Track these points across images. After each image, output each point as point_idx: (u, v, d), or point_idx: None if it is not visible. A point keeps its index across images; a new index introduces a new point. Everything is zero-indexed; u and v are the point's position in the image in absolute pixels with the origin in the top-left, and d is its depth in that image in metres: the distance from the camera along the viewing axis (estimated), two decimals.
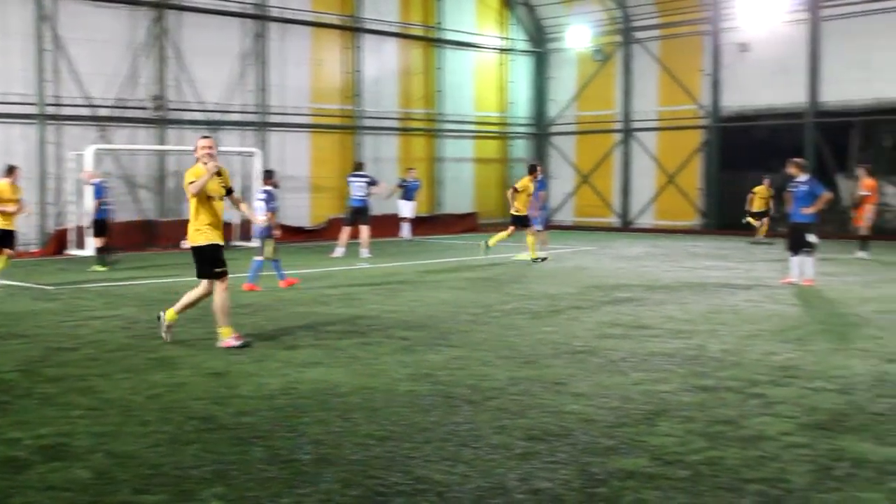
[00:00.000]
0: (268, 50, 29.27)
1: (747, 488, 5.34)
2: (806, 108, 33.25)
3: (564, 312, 12.73)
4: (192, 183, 9.99)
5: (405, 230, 28.88)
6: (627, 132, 37.55)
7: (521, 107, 39.45)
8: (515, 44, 38.73)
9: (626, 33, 37.58)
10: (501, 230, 22.02)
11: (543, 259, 20.80)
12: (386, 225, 28.56)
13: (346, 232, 22.17)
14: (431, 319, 12.08)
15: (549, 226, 28.65)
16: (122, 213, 24.21)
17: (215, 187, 10.17)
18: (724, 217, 34.96)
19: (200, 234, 10.11)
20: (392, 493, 5.34)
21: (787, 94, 33.63)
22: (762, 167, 31.57)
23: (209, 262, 10.14)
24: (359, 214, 22.10)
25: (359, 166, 23.75)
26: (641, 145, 37.11)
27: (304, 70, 30.58)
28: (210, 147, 10.21)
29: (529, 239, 20.91)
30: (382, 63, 33.19)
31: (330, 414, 7.12)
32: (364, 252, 21.54)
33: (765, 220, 28.22)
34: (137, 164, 26.52)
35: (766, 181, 28.30)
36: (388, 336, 10.72)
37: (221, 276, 10.15)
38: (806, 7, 32.93)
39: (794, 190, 16.31)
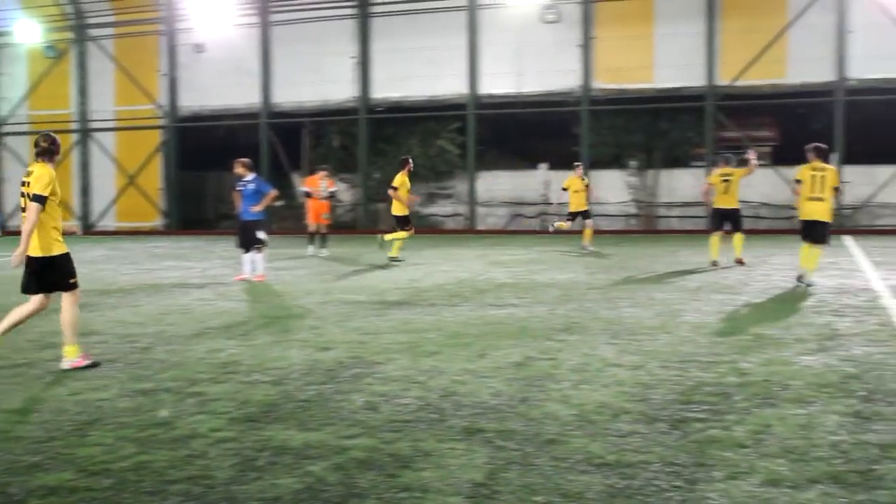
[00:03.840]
0: None
1: (171, 489, 5.37)
2: (261, 108, 34.37)
3: None
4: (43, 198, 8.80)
5: None
6: (85, 132, 36.45)
7: None
8: None
9: (79, 30, 36.39)
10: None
11: None
12: None
13: None
14: None
15: (6, 231, 27.03)
16: None
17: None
18: (185, 217, 35.18)
19: (55, 242, 9.00)
20: None
21: (243, 94, 34.62)
22: (222, 166, 32.14)
23: (61, 273, 9.08)
24: None
25: None
26: (100, 146, 36.19)
27: None
28: None
29: None
30: None
31: None
32: None
33: (587, 221, 23.67)
34: None
35: (579, 169, 24.23)
36: None
37: (75, 287, 9.18)
38: (256, 11, 33.99)
39: (241, 189, 16.80)
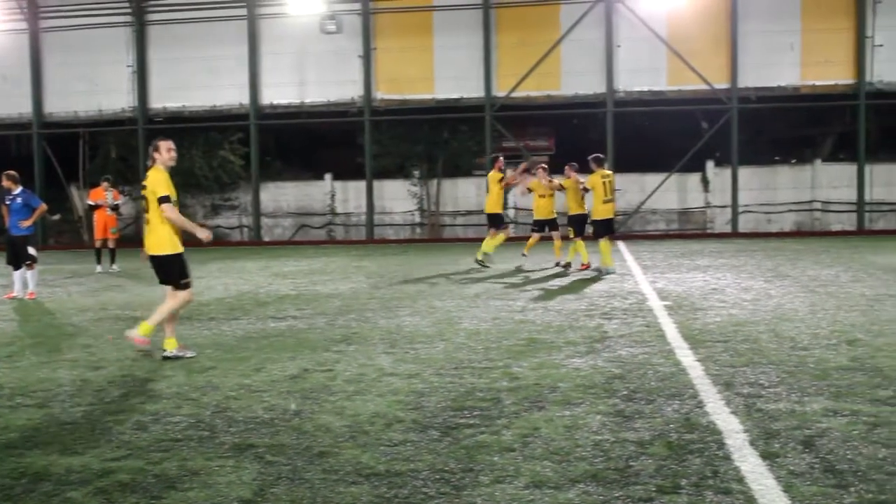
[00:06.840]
0: None
1: None
2: (32, 118, 32.95)
3: None
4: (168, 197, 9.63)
5: None
6: None
7: None
8: None
9: None
10: None
11: None
12: None
13: None
14: None
15: None
16: None
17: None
18: None
19: (175, 241, 9.79)
20: None
21: (13, 104, 33.10)
22: None
23: (183, 270, 9.90)
24: None
25: None
26: None
27: None
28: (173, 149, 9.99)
29: None
30: None
31: None
32: None
33: (555, 233, 20.67)
34: None
35: (542, 174, 20.75)
36: None
37: (187, 287, 9.96)
38: (24, 17, 32.58)
39: (9, 203, 16.06)
